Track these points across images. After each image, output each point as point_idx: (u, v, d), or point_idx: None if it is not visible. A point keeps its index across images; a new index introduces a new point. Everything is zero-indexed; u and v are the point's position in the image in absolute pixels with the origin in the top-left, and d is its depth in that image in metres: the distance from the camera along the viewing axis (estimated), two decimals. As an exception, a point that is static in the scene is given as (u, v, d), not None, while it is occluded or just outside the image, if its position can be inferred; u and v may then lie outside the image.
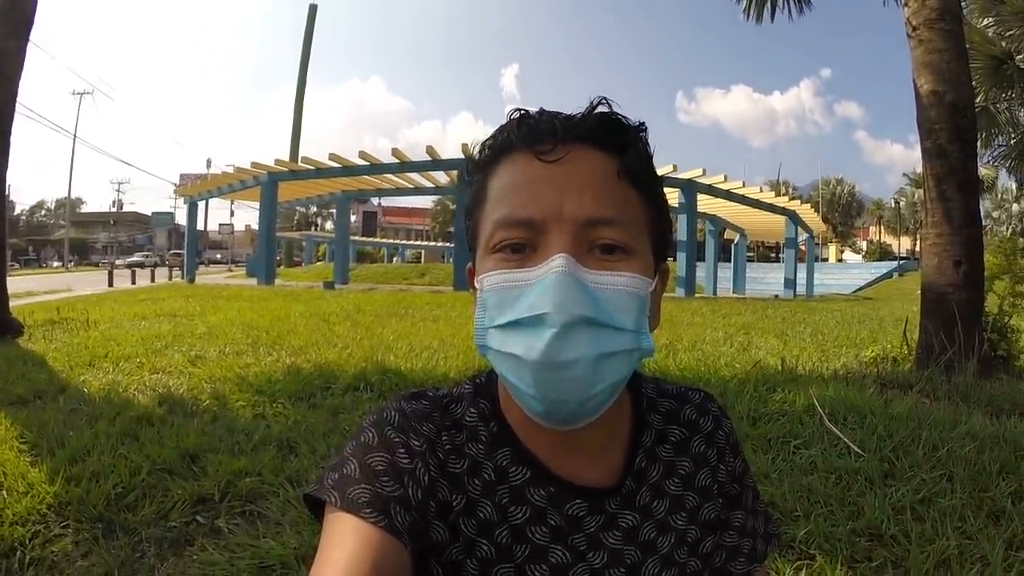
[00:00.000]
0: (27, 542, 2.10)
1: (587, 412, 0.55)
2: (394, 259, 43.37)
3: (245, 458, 2.77)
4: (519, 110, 0.61)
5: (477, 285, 0.59)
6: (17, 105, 7.04)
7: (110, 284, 18.45)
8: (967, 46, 5.04)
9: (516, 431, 0.62)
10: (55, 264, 52.74)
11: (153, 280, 22.87)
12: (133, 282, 20.11)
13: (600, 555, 0.61)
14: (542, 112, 0.60)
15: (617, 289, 0.54)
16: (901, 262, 39.56)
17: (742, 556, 0.71)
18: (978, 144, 6.75)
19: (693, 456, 0.69)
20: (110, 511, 2.28)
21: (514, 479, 0.61)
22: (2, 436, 3.00)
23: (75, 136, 47.57)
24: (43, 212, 78.93)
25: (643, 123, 0.61)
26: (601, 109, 0.59)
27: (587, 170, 0.57)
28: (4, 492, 2.39)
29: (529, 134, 0.58)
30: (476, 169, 0.63)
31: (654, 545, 0.64)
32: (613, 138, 0.58)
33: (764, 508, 0.75)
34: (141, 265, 37.44)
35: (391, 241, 51.99)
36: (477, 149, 0.63)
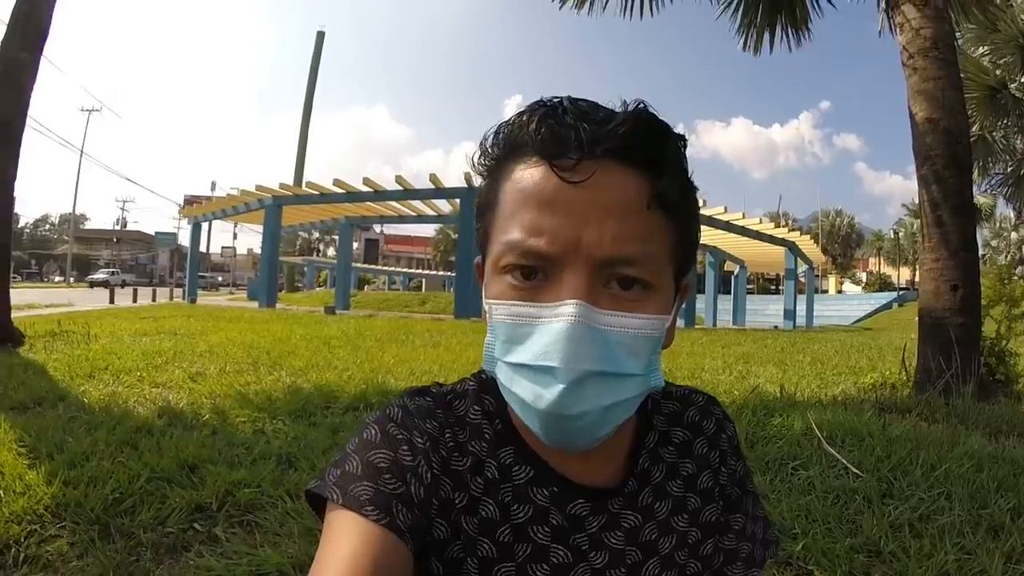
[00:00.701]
0: (22, 540, 2.10)
1: (594, 444, 0.55)
2: (394, 286, 43.36)
3: (244, 470, 2.76)
4: (542, 102, 0.54)
5: (487, 308, 0.56)
6: (27, 118, 7.11)
7: (111, 301, 18.49)
8: (962, 75, 5.14)
9: (520, 429, 0.61)
10: (57, 279, 52.76)
11: (155, 299, 22.90)
12: (134, 300, 20.13)
13: (601, 555, 0.60)
14: (567, 109, 0.52)
15: (631, 333, 0.52)
16: (901, 292, 39.47)
17: (739, 560, 0.69)
18: (975, 172, 6.83)
19: (696, 458, 0.68)
20: (107, 515, 2.28)
21: (516, 478, 0.60)
22: (0, 439, 3.00)
23: (82, 152, 47.99)
24: (47, 226, 79.30)
25: (684, 134, 0.55)
26: (635, 116, 0.52)
27: (613, 196, 0.51)
28: (1, 491, 2.39)
29: (551, 143, 0.52)
30: (487, 162, 0.59)
31: (655, 546, 0.63)
32: (648, 155, 0.52)
33: (764, 514, 0.73)
34: (105, 283, 35.58)
35: (393, 269, 52.14)
36: (490, 138, 0.58)
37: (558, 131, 0.51)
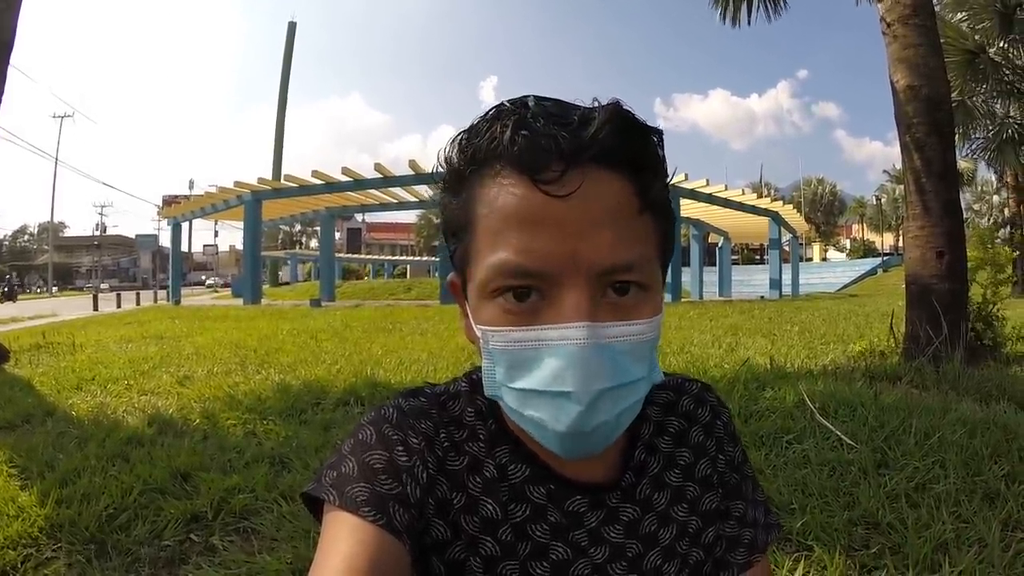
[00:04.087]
0: (19, 565, 2.07)
1: (604, 448, 0.55)
2: (379, 276, 43.21)
3: (238, 475, 2.73)
4: (510, 108, 0.51)
5: (480, 335, 0.54)
6: (-1, 129, 6.98)
7: (95, 308, 18.26)
8: (941, 41, 5.14)
9: (514, 430, 0.61)
10: (37, 290, 52.05)
11: (138, 303, 22.66)
12: (118, 306, 19.91)
13: (601, 550, 0.60)
14: (538, 114, 0.49)
15: (633, 340, 0.51)
16: (885, 258, 40.02)
17: (742, 547, 0.68)
18: (956, 137, 6.87)
19: (692, 446, 0.68)
20: (102, 532, 2.25)
21: (513, 477, 0.60)
22: (-10, 461, 2.95)
23: (57, 159, 47.22)
24: (26, 237, 78.07)
25: (661, 129, 0.53)
26: (612, 114, 0.50)
27: (605, 205, 0.49)
28: (-6, 516, 2.35)
29: (529, 155, 0.48)
30: (451, 176, 0.54)
31: (656, 537, 0.63)
32: (632, 156, 0.50)
33: (764, 498, 0.73)
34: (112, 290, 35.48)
35: (376, 257, 51.97)
36: (456, 148, 0.54)
37: (535, 141, 0.48)
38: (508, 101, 0.52)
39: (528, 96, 0.52)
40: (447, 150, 0.54)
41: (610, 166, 0.49)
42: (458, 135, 0.54)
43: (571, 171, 0.47)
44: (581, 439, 0.51)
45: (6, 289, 31.38)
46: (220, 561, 2.11)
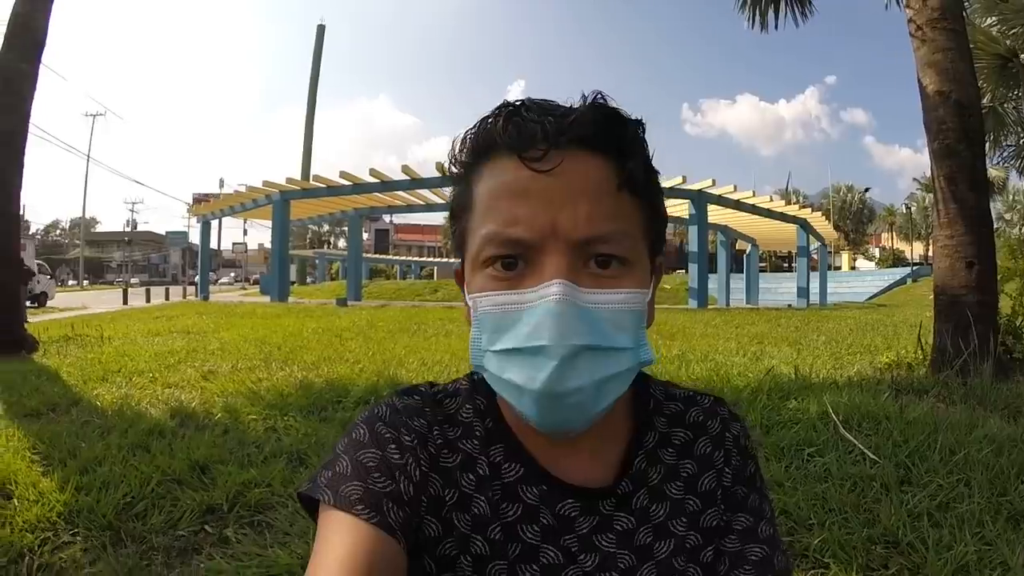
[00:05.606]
0: (36, 548, 2.11)
1: (588, 425, 0.55)
2: (406, 276, 43.48)
3: (255, 469, 2.77)
4: (506, 107, 0.56)
5: (471, 304, 0.58)
6: (32, 127, 7.21)
7: (125, 302, 18.66)
8: (971, 46, 5.02)
9: (511, 427, 0.62)
10: (70, 283, 53.27)
11: (167, 298, 23.10)
12: (147, 300, 20.31)
13: (592, 558, 0.59)
14: (530, 107, 0.55)
15: (615, 308, 0.53)
16: (915, 268, 39.14)
17: (748, 564, 0.61)
18: (987, 145, 6.70)
19: (697, 458, 0.65)
20: (119, 520, 2.29)
21: (506, 476, 0.60)
22: (15, 447, 3.02)
23: (88, 157, 48.38)
24: (58, 231, 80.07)
25: (642, 119, 0.57)
26: (596, 105, 0.55)
27: (583, 181, 0.53)
28: (15, 500, 2.41)
29: (517, 138, 0.53)
30: (458, 168, 0.60)
31: (650, 550, 0.60)
32: (612, 141, 0.55)
33: (774, 520, 0.67)
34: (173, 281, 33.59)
35: (404, 258, 52.27)
36: (458, 144, 0.59)
37: (524, 126, 0.53)
38: (507, 101, 0.57)
39: (526, 98, 0.57)
40: (455, 147, 0.59)
41: (588, 147, 0.54)
42: (464, 133, 0.59)
43: (553, 151, 0.52)
44: (557, 402, 0.52)
45: (34, 292, 22.62)
46: (232, 553, 2.13)
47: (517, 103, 0.56)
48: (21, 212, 7.50)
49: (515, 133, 0.53)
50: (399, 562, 0.51)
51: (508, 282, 0.54)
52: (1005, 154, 10.55)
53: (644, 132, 0.57)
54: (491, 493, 0.59)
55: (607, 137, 0.54)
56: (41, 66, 7.20)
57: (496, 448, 0.61)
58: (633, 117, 0.56)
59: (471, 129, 0.58)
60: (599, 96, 0.55)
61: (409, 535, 0.53)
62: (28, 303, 20.16)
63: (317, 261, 45.58)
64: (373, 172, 18.10)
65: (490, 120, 0.56)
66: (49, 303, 19.35)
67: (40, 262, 23.00)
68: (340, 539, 0.50)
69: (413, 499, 0.55)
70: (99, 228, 78.77)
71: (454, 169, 0.60)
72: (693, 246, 18.50)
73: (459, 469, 0.60)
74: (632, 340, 0.54)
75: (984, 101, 7.99)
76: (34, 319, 11.91)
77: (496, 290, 0.54)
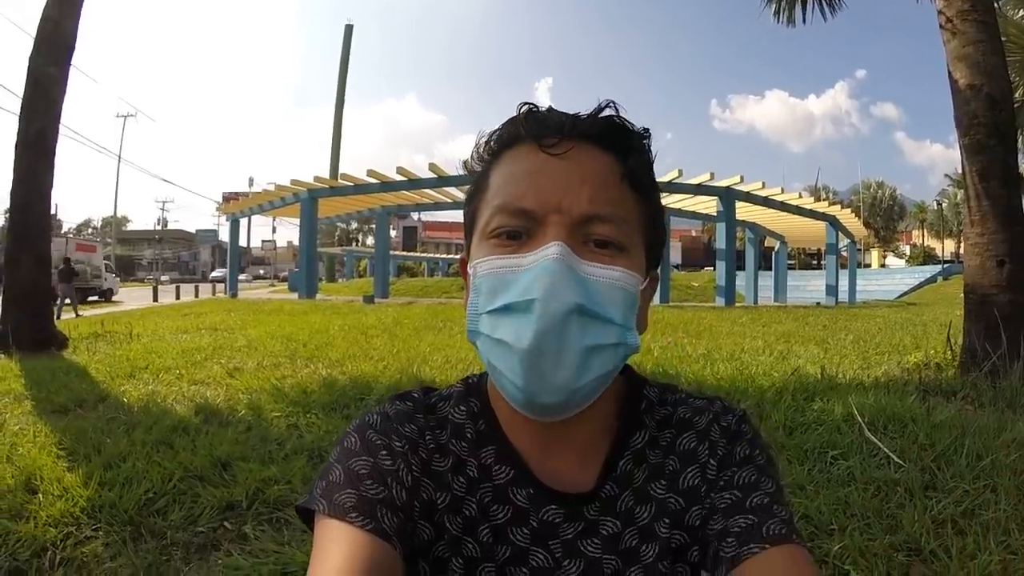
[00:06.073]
0: (59, 543, 2.16)
1: (571, 405, 0.55)
2: (434, 274, 43.64)
3: (276, 466, 2.80)
4: (528, 104, 0.61)
5: (470, 271, 0.60)
6: (64, 128, 7.38)
7: (154, 299, 19.04)
8: (1003, 38, 4.88)
9: (503, 427, 0.62)
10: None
11: (197, 295, 23.53)
12: (177, 297, 20.72)
13: (576, 563, 0.58)
14: (551, 110, 0.61)
15: (609, 282, 0.55)
16: (946, 266, 38.19)
17: (730, 536, 0.55)
18: (1019, 140, 6.51)
19: (680, 454, 0.62)
20: (140, 515, 2.33)
21: (497, 478, 0.60)
22: (41, 442, 3.10)
23: (120, 157, 49.38)
24: (90, 230, 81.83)
25: (647, 129, 0.61)
26: (608, 112, 0.60)
27: (589, 167, 0.57)
28: (40, 495, 2.47)
29: (537, 127, 0.59)
30: (480, 159, 0.64)
31: (636, 553, 0.59)
32: (617, 140, 0.59)
33: (775, 489, 0.60)
34: (222, 281, 32.40)
35: (431, 255, 52.36)
36: (483, 140, 0.63)
37: (543, 119, 0.59)
38: (529, 103, 0.62)
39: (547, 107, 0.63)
40: (479, 146, 0.64)
41: (597, 143, 0.58)
42: (487, 132, 0.64)
43: (565, 140, 0.57)
44: (542, 364, 0.51)
45: (101, 289, 23.35)
46: (250, 550, 2.15)
47: (537, 106, 0.62)
48: (53, 211, 7.68)
49: (535, 124, 0.59)
50: (395, 567, 0.51)
51: (510, 249, 0.56)
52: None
53: (649, 140, 0.61)
54: (481, 495, 0.60)
55: (614, 137, 0.59)
56: (72, 69, 7.37)
57: (488, 450, 0.62)
58: (639, 128, 0.61)
59: (494, 130, 0.63)
60: (610, 105, 0.60)
61: (404, 540, 0.54)
62: (96, 298, 21.85)
63: (345, 258, 45.95)
64: (400, 170, 18.18)
65: (514, 118, 0.61)
66: (114, 298, 23.31)
67: (107, 262, 24.54)
68: (337, 547, 0.50)
69: (406, 504, 0.56)
70: (130, 226, 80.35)
71: (477, 167, 0.64)
72: (721, 243, 18.30)
73: (451, 472, 0.61)
74: (621, 317, 0.55)
75: (1016, 95, 7.75)
76: (65, 316, 12.24)
77: (498, 255, 0.56)
